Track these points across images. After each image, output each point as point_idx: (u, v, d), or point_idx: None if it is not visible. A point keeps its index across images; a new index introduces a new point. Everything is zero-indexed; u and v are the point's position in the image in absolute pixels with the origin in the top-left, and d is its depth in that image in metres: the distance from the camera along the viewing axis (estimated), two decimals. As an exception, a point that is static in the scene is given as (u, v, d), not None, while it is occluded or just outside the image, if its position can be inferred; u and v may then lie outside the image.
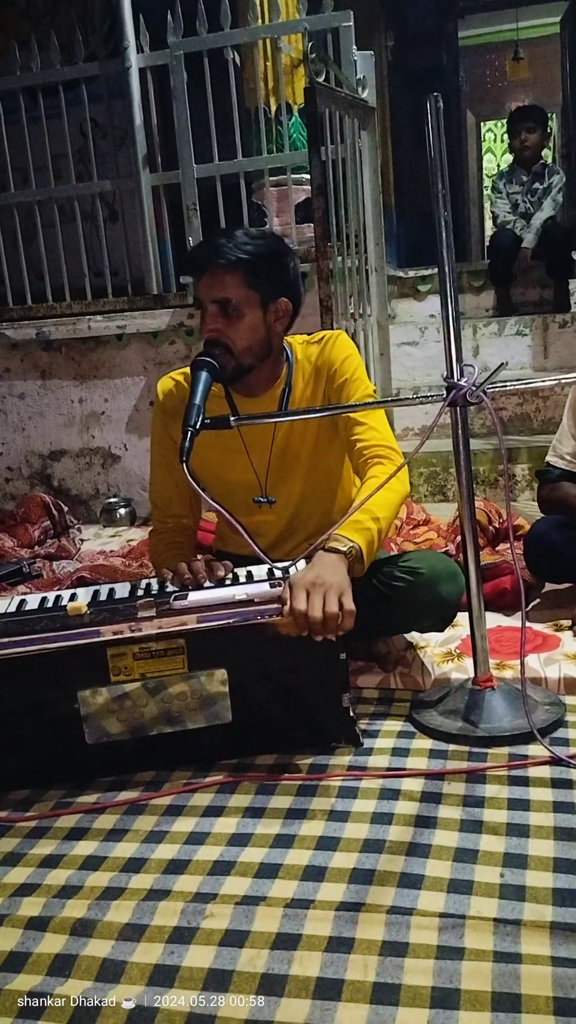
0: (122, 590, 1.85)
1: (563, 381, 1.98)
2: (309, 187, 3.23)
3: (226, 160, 3.89)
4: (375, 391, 2.00)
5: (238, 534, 1.74)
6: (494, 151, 11.85)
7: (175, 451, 1.87)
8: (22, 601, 1.86)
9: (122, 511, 4.09)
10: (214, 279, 1.85)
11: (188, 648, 1.66)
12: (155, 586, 1.84)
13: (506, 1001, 1.08)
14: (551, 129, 7.54)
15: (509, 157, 5.54)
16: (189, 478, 1.71)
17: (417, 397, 2.00)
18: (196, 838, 1.48)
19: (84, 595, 1.85)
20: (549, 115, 5.76)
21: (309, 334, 2.06)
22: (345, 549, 1.67)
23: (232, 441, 1.98)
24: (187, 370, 2.03)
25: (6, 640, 1.65)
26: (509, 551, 2.63)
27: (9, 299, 4.42)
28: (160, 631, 1.65)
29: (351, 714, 1.74)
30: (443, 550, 2.65)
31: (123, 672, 1.65)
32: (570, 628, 2.23)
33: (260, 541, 1.85)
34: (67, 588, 2.54)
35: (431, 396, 1.84)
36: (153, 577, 1.96)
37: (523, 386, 2.31)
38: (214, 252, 1.84)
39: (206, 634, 1.66)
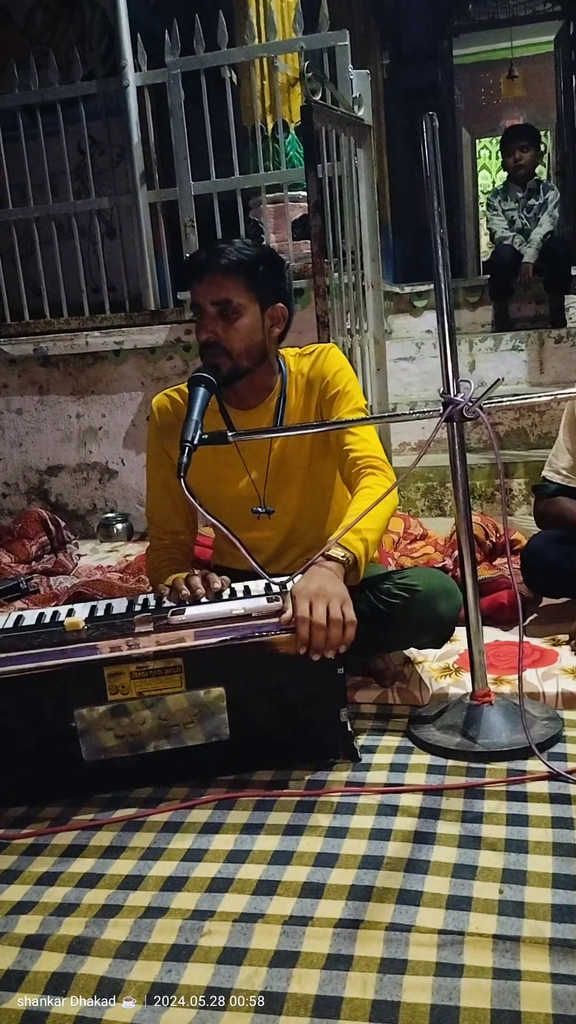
0: (119, 605, 1.85)
1: (559, 396, 1.98)
2: (306, 204, 3.26)
3: (223, 177, 3.92)
4: (366, 405, 2.02)
5: (236, 549, 1.75)
6: (489, 168, 11.94)
7: (171, 468, 1.88)
8: (19, 617, 1.86)
9: (119, 526, 4.09)
10: (215, 282, 1.87)
11: (186, 667, 1.65)
12: (152, 601, 1.84)
13: (506, 1018, 1.07)
14: (545, 146, 7.60)
15: (504, 174, 5.58)
16: (187, 493, 1.71)
17: (414, 412, 2.01)
18: (194, 855, 1.48)
19: (81, 610, 1.85)
20: (543, 132, 5.82)
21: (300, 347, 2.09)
22: (341, 557, 1.69)
23: (228, 455, 1.99)
24: (182, 387, 2.06)
25: (2, 656, 1.65)
26: (506, 566, 2.63)
27: (7, 315, 4.44)
28: (158, 649, 1.64)
29: (349, 729, 1.74)
30: (440, 565, 2.65)
31: (120, 691, 1.65)
32: (568, 643, 2.23)
33: (257, 556, 1.86)
34: (63, 603, 2.53)
35: (428, 411, 1.84)
36: (150, 592, 1.96)
37: (519, 401, 2.31)
38: (215, 255, 1.88)
39: (204, 652, 1.65)
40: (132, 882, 1.42)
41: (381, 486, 1.84)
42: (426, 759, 1.74)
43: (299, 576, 1.75)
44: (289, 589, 1.69)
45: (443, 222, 1.70)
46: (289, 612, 1.63)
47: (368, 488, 1.84)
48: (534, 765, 1.66)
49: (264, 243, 3.88)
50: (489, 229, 5.44)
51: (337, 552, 1.70)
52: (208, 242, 1.97)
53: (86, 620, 1.74)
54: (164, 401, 2.08)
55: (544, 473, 2.47)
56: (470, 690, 1.84)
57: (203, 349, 1.91)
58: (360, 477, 1.88)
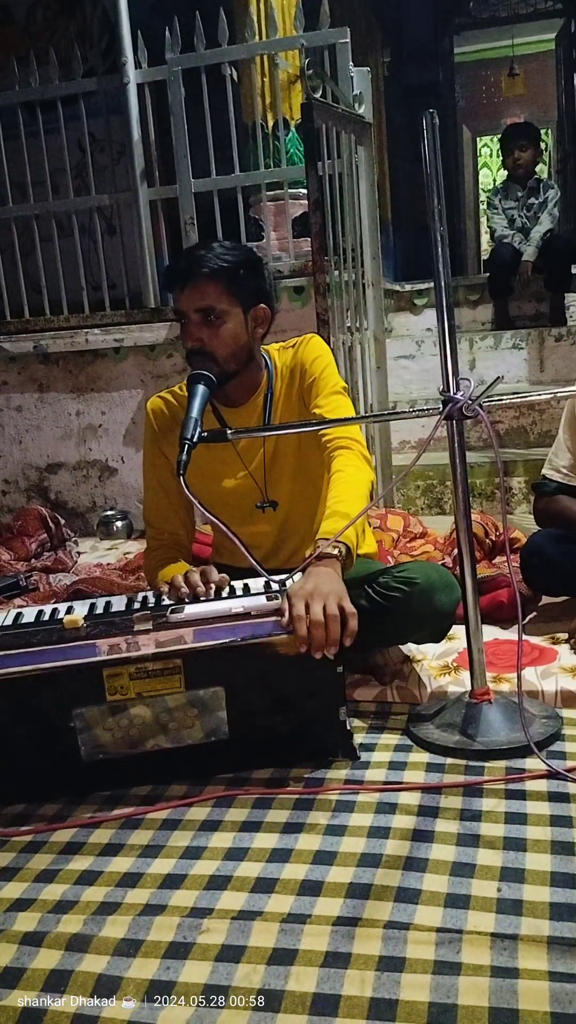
0: (119, 603, 1.85)
1: (559, 394, 1.98)
2: (306, 202, 3.25)
3: (223, 175, 3.92)
4: (345, 388, 2.04)
5: (235, 546, 1.75)
6: (490, 166, 11.93)
7: (168, 469, 1.89)
8: (19, 614, 1.86)
9: (119, 524, 4.09)
10: (196, 289, 1.88)
11: (185, 667, 1.64)
12: (152, 599, 1.84)
13: (504, 1016, 1.07)
14: (546, 144, 7.59)
15: (505, 172, 5.57)
16: (187, 491, 1.71)
17: (414, 410, 2.01)
18: (192, 852, 1.48)
19: (81, 608, 1.85)
20: (543, 130, 5.82)
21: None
22: (335, 552, 1.70)
23: (223, 452, 2.00)
24: (174, 389, 2.09)
25: (1, 654, 1.65)
26: (506, 564, 2.63)
27: (7, 312, 4.44)
28: (157, 651, 1.64)
29: (348, 728, 1.73)
30: (440, 563, 2.65)
31: (119, 692, 1.64)
32: (567, 641, 2.23)
33: (256, 552, 1.86)
34: (63, 600, 2.53)
35: (427, 409, 1.84)
36: (150, 590, 1.96)
37: (519, 399, 2.31)
38: (195, 263, 1.89)
39: (203, 653, 1.65)
40: (130, 879, 1.41)
41: (351, 465, 1.86)
42: (425, 757, 1.73)
43: (298, 574, 1.75)
44: (287, 589, 1.69)
45: (443, 220, 1.70)
46: (287, 614, 1.62)
47: (340, 471, 1.85)
48: (533, 763, 1.66)
49: (264, 242, 3.88)
50: (489, 227, 5.44)
51: (330, 548, 1.70)
52: (186, 248, 1.96)
53: (85, 618, 1.74)
54: (159, 404, 2.10)
55: (544, 471, 2.47)
56: (469, 688, 1.84)
57: (190, 356, 1.93)
58: (332, 459, 1.89)
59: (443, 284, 1.72)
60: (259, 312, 1.96)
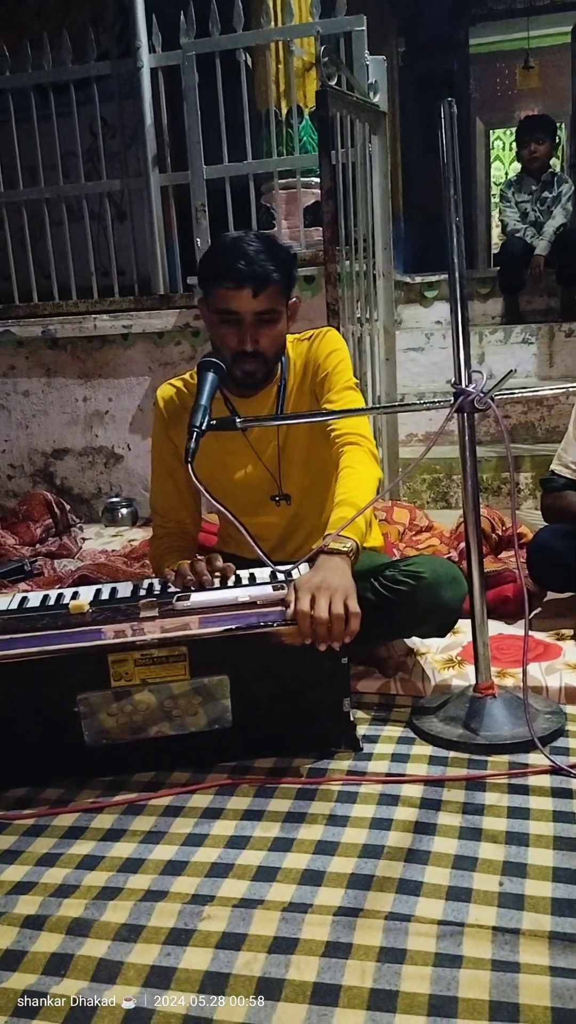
0: (124, 589, 1.85)
1: (570, 389, 1.97)
2: (318, 190, 3.24)
3: (236, 162, 3.90)
4: (357, 383, 2.02)
5: (241, 536, 1.74)
6: (502, 159, 11.86)
7: (177, 457, 1.88)
8: (24, 599, 1.86)
9: (124, 511, 4.09)
10: (261, 293, 1.85)
11: (190, 654, 1.64)
12: (157, 586, 1.84)
13: (504, 1010, 1.07)
14: (560, 138, 7.54)
15: (517, 165, 5.54)
16: (194, 479, 1.70)
17: (424, 403, 2.00)
18: (194, 839, 1.48)
19: (86, 594, 1.85)
20: (558, 124, 5.78)
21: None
22: (346, 548, 1.69)
23: (233, 443, 1.99)
24: (185, 376, 2.07)
25: (7, 638, 1.65)
26: (512, 559, 2.63)
27: (16, 297, 4.43)
28: (162, 636, 1.63)
29: (351, 719, 1.73)
30: (446, 556, 2.65)
31: (124, 678, 1.64)
32: (572, 637, 2.22)
33: (263, 543, 1.85)
34: (68, 586, 2.53)
35: (438, 402, 1.83)
36: (155, 577, 1.96)
37: (531, 394, 2.30)
38: (263, 267, 1.83)
39: (208, 640, 1.64)
40: (132, 865, 1.42)
41: (360, 461, 1.85)
42: (428, 750, 1.73)
43: (304, 564, 1.74)
44: (293, 580, 1.68)
45: (459, 210, 1.68)
46: (292, 606, 1.62)
47: (349, 467, 1.84)
48: (536, 759, 1.66)
49: (275, 230, 3.87)
50: (501, 221, 5.40)
51: (340, 545, 1.69)
52: (236, 245, 1.85)
53: (91, 603, 1.74)
54: (169, 391, 2.08)
55: (552, 467, 2.46)
56: (473, 682, 1.84)
57: (241, 357, 1.88)
58: (340, 455, 1.89)
59: (458, 275, 1.70)
60: (293, 306, 1.97)
